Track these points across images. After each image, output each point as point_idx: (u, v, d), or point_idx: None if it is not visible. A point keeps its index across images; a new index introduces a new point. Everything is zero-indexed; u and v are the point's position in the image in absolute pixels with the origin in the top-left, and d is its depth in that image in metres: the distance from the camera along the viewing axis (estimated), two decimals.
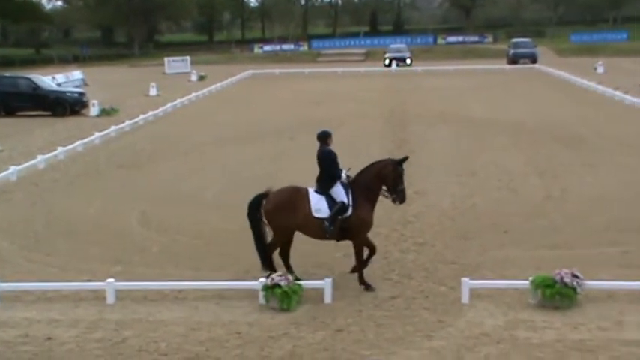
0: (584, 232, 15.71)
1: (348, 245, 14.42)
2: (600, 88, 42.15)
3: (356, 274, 12.74)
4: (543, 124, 30.18)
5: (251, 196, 12.92)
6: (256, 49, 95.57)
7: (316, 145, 12.85)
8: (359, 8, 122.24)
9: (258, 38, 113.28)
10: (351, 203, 12.34)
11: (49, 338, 11.03)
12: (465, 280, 12.08)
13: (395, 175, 12.47)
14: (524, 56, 66.02)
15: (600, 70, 54.57)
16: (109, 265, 14.14)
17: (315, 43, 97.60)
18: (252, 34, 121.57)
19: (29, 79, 38.91)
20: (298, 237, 15.06)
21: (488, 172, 21.56)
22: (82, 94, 39.52)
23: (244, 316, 11.68)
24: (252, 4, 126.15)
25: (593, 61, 60.30)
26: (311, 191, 12.54)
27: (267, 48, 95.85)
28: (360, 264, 12.66)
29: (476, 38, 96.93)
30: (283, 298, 11.76)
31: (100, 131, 29.82)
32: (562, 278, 11.65)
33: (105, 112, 37.09)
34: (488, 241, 15.32)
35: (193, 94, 45.12)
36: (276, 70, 64.25)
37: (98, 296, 12.46)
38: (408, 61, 67.41)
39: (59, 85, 46.02)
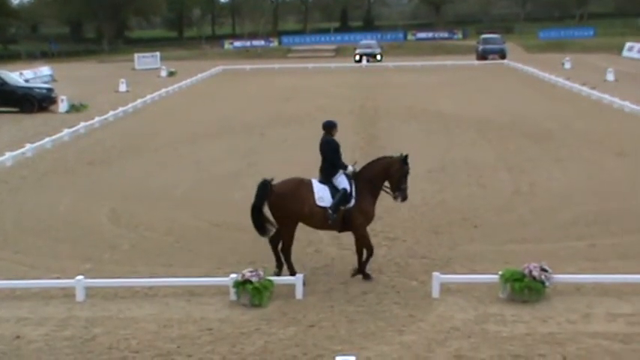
0: (553, 227, 15.89)
1: (319, 241, 14.47)
2: (568, 83, 42.57)
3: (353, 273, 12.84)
4: (512, 120, 30.43)
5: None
6: (227, 45, 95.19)
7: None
8: (329, 4, 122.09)
9: (228, 34, 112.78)
10: (354, 194, 12.42)
11: (18, 337, 10.92)
12: (435, 274, 12.15)
13: (401, 173, 12.64)
14: (493, 52, 66.44)
15: (568, 65, 55.08)
16: (79, 263, 14.03)
17: (285, 39, 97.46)
18: (222, 30, 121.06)
19: None
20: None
21: (458, 168, 21.70)
22: (50, 90, 39.13)
23: (215, 312, 11.66)
24: (222, 0, 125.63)
25: (561, 57, 60.84)
26: (314, 181, 12.62)
27: (237, 44, 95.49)
28: (361, 256, 12.77)
29: (445, 34, 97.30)
30: (255, 294, 11.75)
31: (69, 128, 29.56)
32: (531, 272, 11.78)
33: (74, 109, 36.77)
34: (458, 235, 15.43)
35: (163, 90, 44.89)
36: (247, 66, 64.08)
37: (68, 294, 12.37)
38: (379, 57, 67.58)
39: (27, 81, 45.52)
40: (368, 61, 65.93)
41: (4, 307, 12.09)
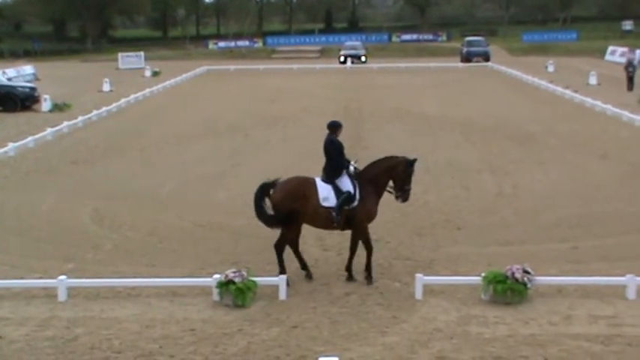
0: (535, 229, 15.97)
1: (302, 242, 14.43)
2: (551, 86, 42.80)
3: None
4: (496, 122, 30.56)
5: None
6: (211, 46, 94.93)
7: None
8: (314, 5, 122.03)
9: (213, 34, 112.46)
10: (357, 194, 12.47)
11: None
12: (418, 276, 12.18)
13: (406, 174, 12.76)
14: (477, 54, 66.65)
15: (551, 69, 55.34)
16: (62, 263, 13.97)
17: (270, 40, 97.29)
18: (207, 31, 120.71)
19: None
20: (249, 232, 15.07)
21: (442, 169, 21.77)
22: (33, 89, 38.90)
23: (198, 313, 11.64)
24: (207, 0, 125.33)
25: (544, 60, 61.10)
26: (318, 180, 12.64)
27: (222, 44, 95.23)
28: (354, 254, 12.78)
29: (430, 36, 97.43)
30: (238, 295, 11.74)
31: (52, 127, 29.41)
32: (513, 274, 11.83)
33: (57, 108, 36.57)
34: (441, 237, 15.48)
35: (147, 90, 44.73)
36: (231, 67, 63.95)
37: (50, 294, 12.31)
38: (363, 58, 67.60)
39: (9, 79, 45.15)
40: (352, 62, 65.94)
41: None
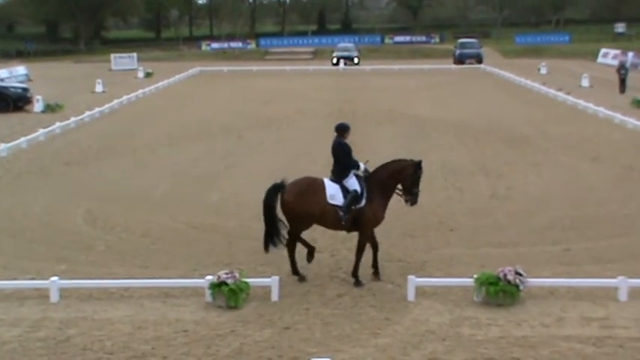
0: (528, 231, 16.01)
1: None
2: (544, 88, 42.89)
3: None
4: (489, 124, 30.61)
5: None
6: (204, 47, 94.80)
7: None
8: (307, 7, 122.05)
9: (206, 35, 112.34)
10: (365, 195, 12.52)
11: None
12: (411, 278, 12.20)
13: (414, 177, 12.81)
14: (470, 56, 66.73)
15: (544, 71, 55.46)
16: (54, 264, 13.94)
17: (263, 41, 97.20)
18: (200, 32, 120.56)
19: None
20: (242, 234, 15.08)
21: (435, 171, 21.75)
22: (25, 89, 38.77)
23: (191, 314, 11.64)
24: (200, 2, 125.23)
25: (537, 62, 61.22)
26: (326, 180, 12.72)
27: (215, 45, 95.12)
28: (360, 258, 12.79)
29: (423, 38, 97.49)
30: (230, 296, 11.74)
31: (45, 127, 29.34)
32: (505, 276, 11.86)
33: (49, 109, 36.46)
34: (434, 239, 15.51)
35: (140, 91, 44.65)
36: (224, 68, 63.89)
37: (42, 295, 12.29)
38: (356, 60, 67.57)
39: (2, 80, 45.15)
40: (345, 64, 65.94)
41: None
